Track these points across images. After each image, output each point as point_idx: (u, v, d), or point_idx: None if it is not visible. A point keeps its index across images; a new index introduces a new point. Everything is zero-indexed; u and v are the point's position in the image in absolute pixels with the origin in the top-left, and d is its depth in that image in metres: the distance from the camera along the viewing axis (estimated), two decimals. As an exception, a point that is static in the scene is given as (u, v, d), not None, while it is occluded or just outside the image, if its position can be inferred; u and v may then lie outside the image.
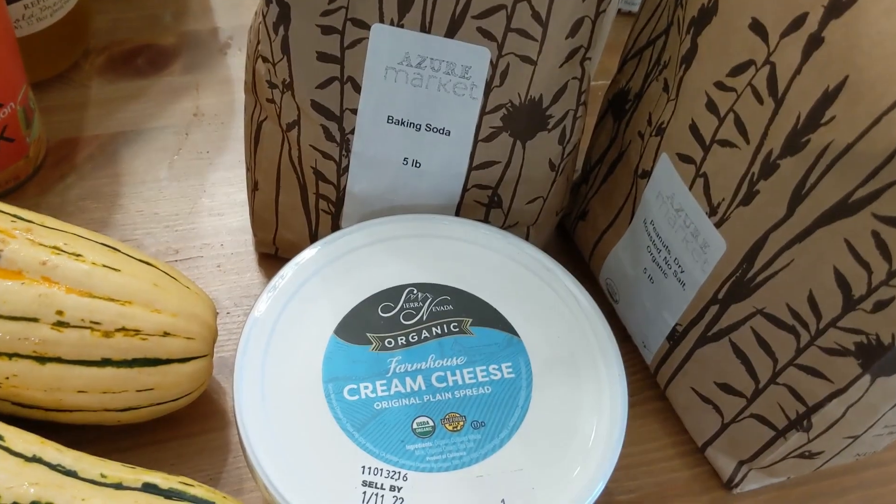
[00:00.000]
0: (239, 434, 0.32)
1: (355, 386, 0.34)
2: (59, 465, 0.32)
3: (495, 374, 0.34)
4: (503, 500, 0.31)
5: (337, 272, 0.37)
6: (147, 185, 0.48)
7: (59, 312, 0.34)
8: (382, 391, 0.34)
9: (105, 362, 0.34)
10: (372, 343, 0.35)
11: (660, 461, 0.41)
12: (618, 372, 0.35)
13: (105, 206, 0.46)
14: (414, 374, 0.34)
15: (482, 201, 0.40)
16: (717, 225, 0.34)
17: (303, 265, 0.37)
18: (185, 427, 0.39)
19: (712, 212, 0.34)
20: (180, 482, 0.33)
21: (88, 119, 0.50)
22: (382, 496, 0.31)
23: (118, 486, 0.32)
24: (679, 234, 0.37)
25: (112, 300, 0.35)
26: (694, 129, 0.35)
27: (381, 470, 0.32)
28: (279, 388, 0.33)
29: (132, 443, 0.38)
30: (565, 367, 0.35)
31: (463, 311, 0.36)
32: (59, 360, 0.34)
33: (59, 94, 0.51)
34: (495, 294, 0.37)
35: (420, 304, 0.36)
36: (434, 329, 0.36)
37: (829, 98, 0.29)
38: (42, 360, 0.34)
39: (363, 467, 0.32)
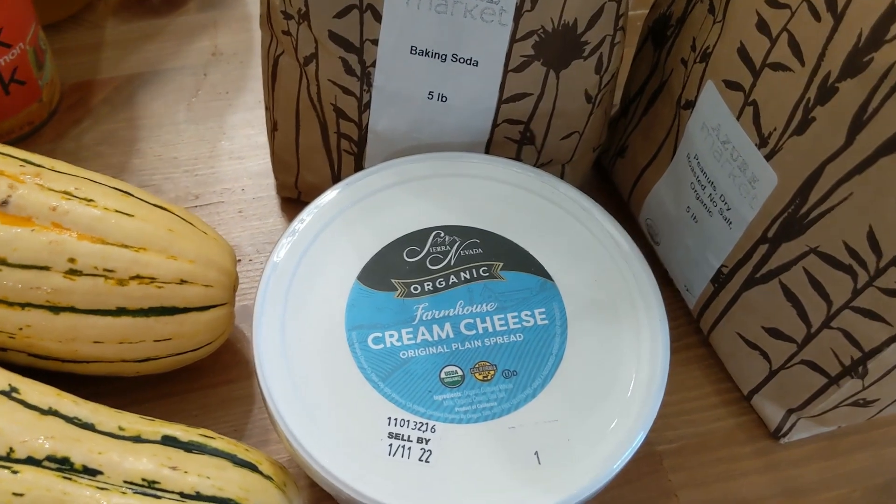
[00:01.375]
0: (259, 386, 0.31)
1: (380, 334, 0.32)
2: (75, 417, 0.31)
3: (528, 321, 0.33)
4: (536, 453, 0.30)
5: (359, 215, 0.35)
6: (165, 128, 0.46)
7: (72, 260, 0.32)
8: (409, 339, 0.32)
9: (120, 311, 0.33)
10: (397, 289, 0.33)
11: (702, 410, 0.39)
12: (659, 316, 0.33)
13: (122, 151, 0.45)
14: (441, 321, 0.32)
15: (513, 137, 0.38)
16: (768, 157, 0.32)
17: (323, 208, 0.35)
18: (208, 377, 0.38)
19: (762, 143, 0.32)
20: (201, 434, 0.32)
21: (103, 61, 0.48)
22: (409, 448, 0.30)
23: (137, 439, 0.31)
24: (725, 168, 0.34)
25: (125, 247, 0.33)
26: (743, 52, 0.32)
27: (408, 421, 0.30)
28: (301, 336, 0.32)
29: (153, 394, 0.37)
30: (603, 312, 0.33)
31: (493, 255, 0.34)
32: (72, 309, 0.33)
33: (73, 35, 0.49)
34: (528, 236, 0.35)
35: (447, 247, 0.34)
36: (462, 274, 0.34)
37: (895, 12, 0.26)
38: (55, 309, 0.33)
39: (389, 418, 0.30)
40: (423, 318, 0.32)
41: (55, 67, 0.46)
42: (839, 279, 0.31)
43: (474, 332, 0.32)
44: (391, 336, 0.32)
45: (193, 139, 0.46)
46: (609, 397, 0.31)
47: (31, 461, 0.29)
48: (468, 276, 0.34)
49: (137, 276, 0.33)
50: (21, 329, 0.33)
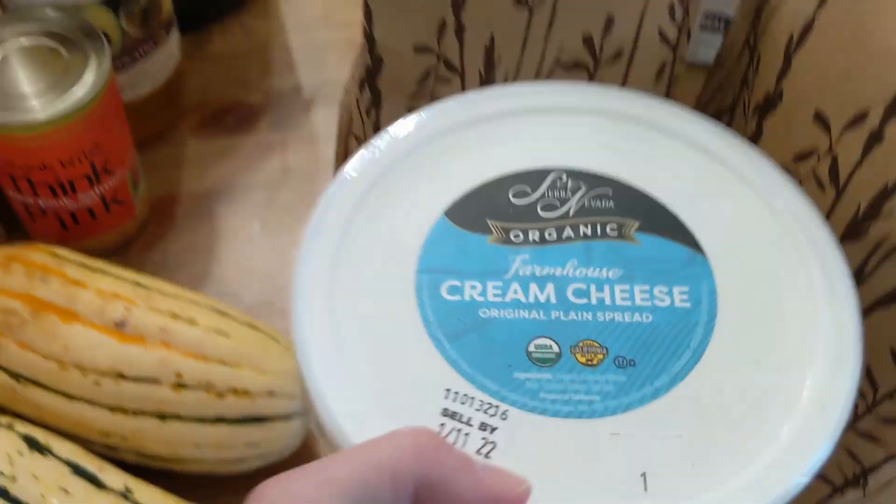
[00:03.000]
0: (292, 318, 0.25)
1: (458, 283, 0.25)
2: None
3: (662, 300, 0.25)
4: (644, 475, 0.22)
5: (461, 140, 0.28)
6: (241, 241, 0.51)
7: (178, 375, 0.38)
8: (494, 296, 0.25)
9: (218, 420, 0.38)
10: (492, 233, 0.26)
11: None
12: (851, 320, 0.25)
13: (204, 261, 0.50)
14: (543, 280, 0.25)
15: None
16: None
17: (420, 122, 0.28)
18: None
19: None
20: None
21: (185, 177, 0.54)
22: (468, 434, 0.23)
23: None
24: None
25: (224, 363, 0.38)
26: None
27: (473, 399, 0.23)
28: (357, 269, 0.25)
29: (243, 485, 0.41)
30: (768, 305, 0.26)
31: (628, 211, 0.27)
32: (178, 417, 0.38)
33: (157, 152, 0.54)
34: (678, 195, 0.27)
35: (569, 194, 0.27)
36: (582, 228, 0.26)
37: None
38: (163, 417, 0.38)
39: (448, 391, 0.23)
40: (520, 274, 0.25)
41: (147, 186, 0.51)
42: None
43: (585, 301, 0.25)
44: (473, 288, 0.25)
45: (267, 251, 0.51)
46: (760, 418, 0.23)
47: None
48: (589, 232, 0.26)
49: (234, 390, 0.38)
50: (133, 433, 0.38)
